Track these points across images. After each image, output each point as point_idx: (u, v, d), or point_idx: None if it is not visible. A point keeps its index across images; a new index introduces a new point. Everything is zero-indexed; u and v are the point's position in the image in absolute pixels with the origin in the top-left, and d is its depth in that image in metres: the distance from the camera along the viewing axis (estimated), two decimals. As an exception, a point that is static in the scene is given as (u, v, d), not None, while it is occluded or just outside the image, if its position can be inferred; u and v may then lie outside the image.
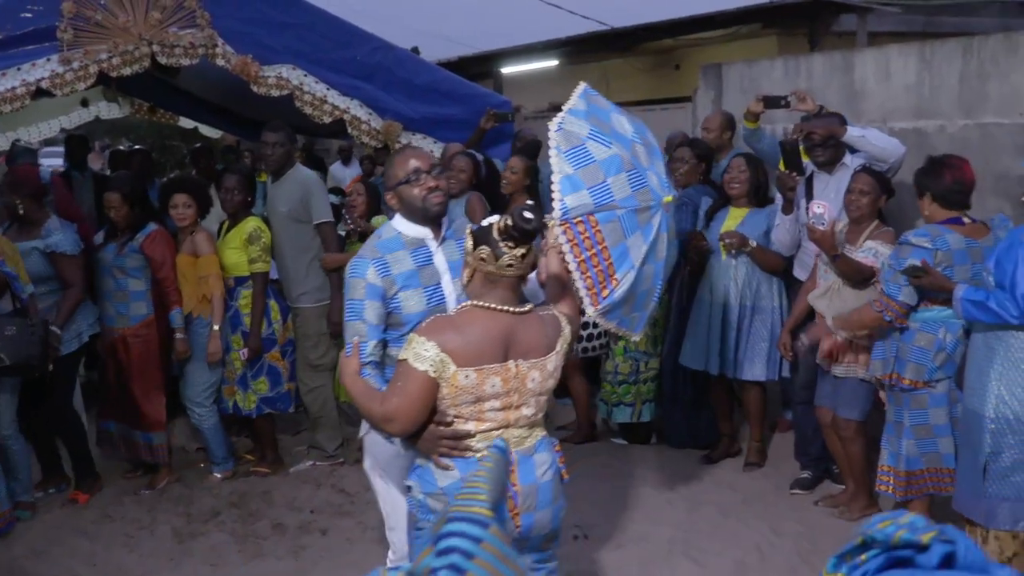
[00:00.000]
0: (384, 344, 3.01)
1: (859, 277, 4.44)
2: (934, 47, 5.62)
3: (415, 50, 23.68)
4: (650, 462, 5.57)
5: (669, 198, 3.05)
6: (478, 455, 2.66)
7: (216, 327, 5.25)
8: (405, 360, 2.60)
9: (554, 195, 2.86)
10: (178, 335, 5.22)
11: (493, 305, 2.68)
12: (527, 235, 2.65)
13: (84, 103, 10.22)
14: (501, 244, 2.66)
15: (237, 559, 4.56)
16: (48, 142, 24.57)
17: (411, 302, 3.01)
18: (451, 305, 3.01)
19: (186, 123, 10.57)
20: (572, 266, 2.86)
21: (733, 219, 5.26)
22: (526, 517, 2.73)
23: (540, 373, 2.74)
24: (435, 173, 3.08)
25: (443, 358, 2.57)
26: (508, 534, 2.65)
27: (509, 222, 2.64)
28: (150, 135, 17.73)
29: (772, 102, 5.40)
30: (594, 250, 2.87)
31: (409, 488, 2.77)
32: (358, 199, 5.65)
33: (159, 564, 4.53)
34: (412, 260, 3.05)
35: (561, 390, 6.50)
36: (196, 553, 4.63)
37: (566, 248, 2.86)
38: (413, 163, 3.06)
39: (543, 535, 2.83)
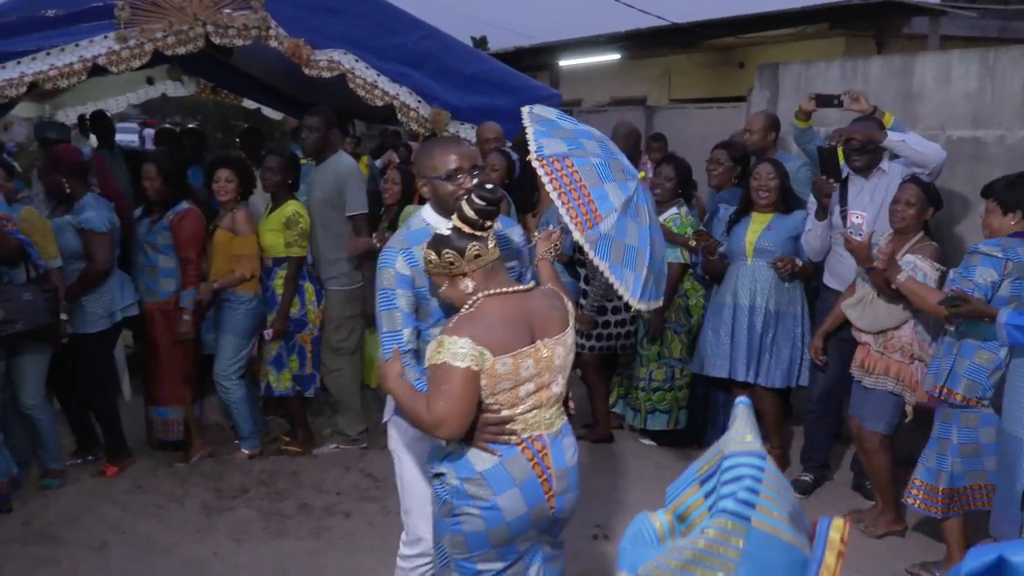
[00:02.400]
0: (417, 333, 3.01)
1: (892, 292, 4.32)
2: (997, 53, 5.44)
3: (483, 40, 23.58)
4: (678, 465, 5.50)
5: (643, 174, 3.11)
6: (515, 439, 2.68)
7: (215, 284, 5.33)
8: (443, 362, 2.56)
9: (529, 139, 2.88)
10: (184, 316, 5.28)
11: (503, 289, 2.70)
12: (497, 202, 2.67)
13: (150, 81, 10.45)
14: (481, 232, 2.66)
15: (261, 536, 4.62)
16: (122, 117, 25.11)
17: None
18: None
19: (250, 104, 10.73)
20: (554, 196, 2.84)
21: (758, 223, 5.15)
22: (559, 499, 2.76)
23: (563, 348, 2.77)
24: (475, 174, 3.04)
25: (480, 350, 2.56)
26: (544, 515, 2.69)
27: (479, 202, 2.62)
28: (216, 115, 18.01)
29: (825, 101, 5.28)
30: (573, 186, 2.87)
31: (440, 475, 2.76)
32: (392, 187, 5.64)
33: (185, 536, 4.61)
34: None
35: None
36: (222, 527, 4.70)
37: (545, 180, 2.85)
38: (454, 160, 3.00)
39: (566, 518, 2.87)
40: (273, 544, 4.54)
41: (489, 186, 2.68)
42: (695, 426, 5.74)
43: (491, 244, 2.69)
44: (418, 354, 2.94)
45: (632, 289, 2.92)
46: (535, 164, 2.92)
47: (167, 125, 14.64)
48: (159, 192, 5.31)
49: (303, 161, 6.39)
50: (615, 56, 12.69)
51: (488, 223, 2.67)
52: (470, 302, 2.69)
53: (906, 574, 4.22)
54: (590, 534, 4.51)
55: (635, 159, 7.26)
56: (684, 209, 5.61)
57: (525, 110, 3.07)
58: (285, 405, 5.83)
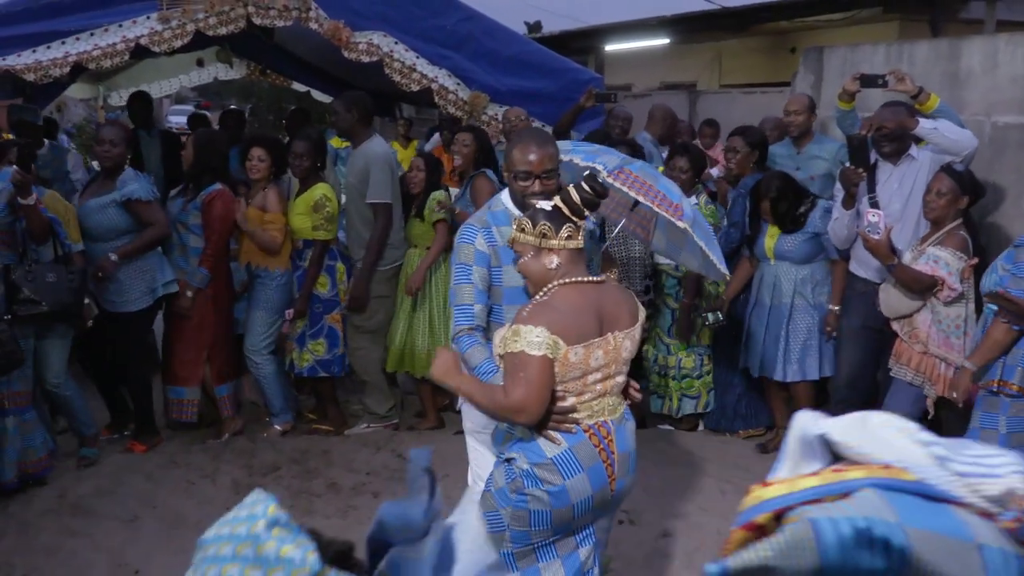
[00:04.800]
0: (489, 311, 3.11)
1: (919, 287, 4.27)
2: (1049, 37, 5.28)
3: (537, 25, 23.53)
4: (705, 451, 5.48)
5: (662, 167, 3.53)
6: (582, 426, 2.74)
7: (249, 228, 5.34)
8: (520, 351, 2.62)
9: (585, 164, 3.28)
10: (188, 292, 5.29)
11: (580, 279, 2.75)
12: (603, 197, 2.76)
13: (200, 63, 10.55)
14: (577, 219, 2.73)
15: (289, 513, 4.61)
16: (179, 100, 25.39)
17: (512, 276, 3.07)
18: None
19: (300, 87, 10.84)
20: (641, 199, 3.26)
21: (771, 237, 5.27)
22: (620, 482, 2.82)
23: (631, 343, 2.82)
24: (543, 178, 3.09)
25: (555, 339, 2.61)
26: (606, 498, 2.77)
27: (588, 191, 2.70)
28: (270, 97, 18.21)
29: (869, 81, 5.18)
30: (644, 188, 3.27)
31: (510, 459, 2.82)
32: (417, 174, 5.60)
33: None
34: None
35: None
36: (252, 504, 4.74)
37: (625, 189, 3.26)
38: (529, 161, 3.07)
39: (621, 498, 2.94)
40: (300, 522, 4.49)
41: (600, 179, 2.79)
42: (715, 412, 5.81)
43: (581, 234, 2.76)
44: (486, 332, 3.09)
45: (721, 261, 3.43)
46: (608, 180, 3.23)
47: (201, 111, 14.82)
48: (191, 166, 5.39)
49: (344, 144, 6.40)
50: (664, 40, 12.53)
51: (586, 212, 2.75)
52: (545, 290, 2.74)
53: None
54: (616, 519, 4.48)
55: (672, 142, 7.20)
56: (703, 198, 5.62)
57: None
58: (315, 384, 5.87)
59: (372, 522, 1.81)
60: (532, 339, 2.60)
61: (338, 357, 5.68)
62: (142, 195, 5.14)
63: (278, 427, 5.66)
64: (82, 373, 5.59)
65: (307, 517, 4.62)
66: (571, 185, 2.74)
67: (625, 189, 3.27)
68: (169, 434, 5.63)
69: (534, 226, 2.73)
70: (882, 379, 4.90)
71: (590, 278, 2.77)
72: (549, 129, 5.97)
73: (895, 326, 4.47)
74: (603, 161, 3.34)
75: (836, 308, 5.08)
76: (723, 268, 3.50)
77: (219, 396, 5.60)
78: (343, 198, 5.85)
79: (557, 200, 2.73)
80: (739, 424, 5.75)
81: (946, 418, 4.50)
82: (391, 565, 1.39)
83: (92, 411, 5.33)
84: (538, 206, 2.78)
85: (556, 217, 2.72)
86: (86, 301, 4.96)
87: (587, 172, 2.91)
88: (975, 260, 4.17)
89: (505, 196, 3.22)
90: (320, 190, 5.43)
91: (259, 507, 1.22)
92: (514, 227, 2.83)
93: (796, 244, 5.13)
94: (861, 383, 4.95)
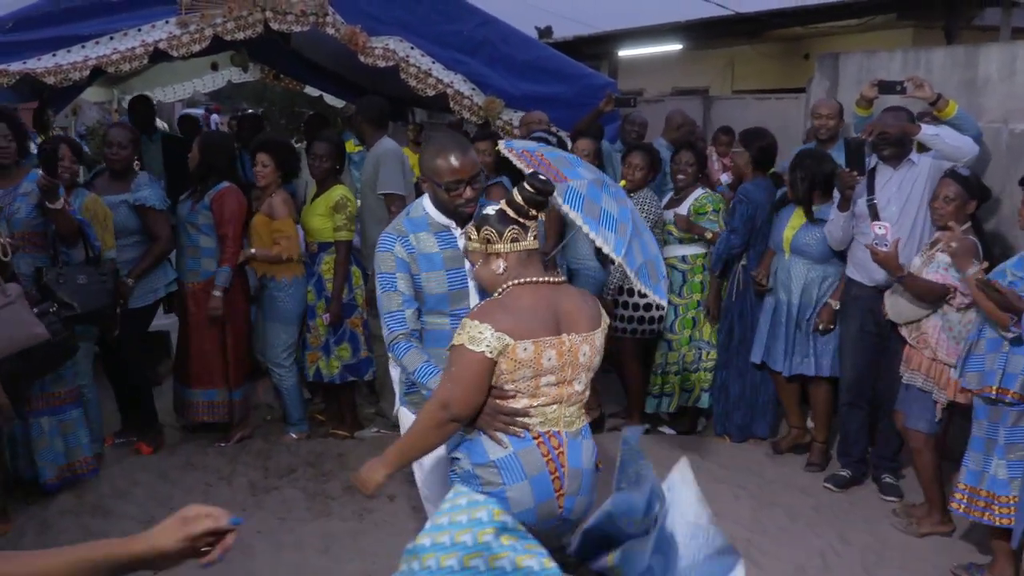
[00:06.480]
0: (419, 313, 3.10)
1: (931, 297, 4.28)
2: (1066, 45, 5.28)
3: (548, 30, 23.51)
4: (718, 456, 5.50)
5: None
6: (532, 433, 2.66)
7: (252, 250, 5.38)
8: (460, 345, 2.61)
9: (501, 145, 3.25)
10: (216, 292, 5.29)
11: (534, 279, 2.71)
12: (548, 194, 2.70)
13: (214, 67, 10.59)
14: (524, 219, 2.70)
15: (305, 515, 4.69)
16: (190, 103, 25.55)
17: (432, 283, 3.06)
18: (472, 289, 3.07)
19: (313, 91, 10.86)
20: (518, 163, 3.07)
21: (798, 218, 5.28)
22: (569, 499, 2.72)
23: (589, 347, 2.74)
24: (474, 184, 3.06)
25: (500, 336, 2.58)
26: (552, 513, 2.66)
27: (529, 189, 2.66)
28: (282, 101, 18.20)
29: (887, 87, 5.20)
30: (538, 161, 3.08)
31: (456, 459, 2.78)
32: None
33: (230, 513, 4.67)
34: (436, 242, 3.10)
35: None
36: (268, 506, 4.78)
37: (513, 158, 3.11)
38: (455, 170, 3.00)
39: (574, 521, 2.80)
40: (317, 524, 4.60)
41: (543, 178, 2.71)
42: (716, 415, 5.83)
43: (531, 235, 2.72)
44: (420, 336, 3.08)
45: (614, 246, 2.92)
46: (504, 152, 3.16)
47: (190, 111, 14.86)
48: (196, 169, 5.43)
49: (358, 148, 6.41)
50: (677, 46, 12.51)
51: (533, 212, 2.70)
52: (501, 289, 2.72)
53: (950, 574, 4.13)
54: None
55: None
56: (708, 190, 5.78)
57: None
58: (331, 388, 5.86)
59: (596, 515, 1.72)
60: (474, 334, 2.57)
61: (363, 360, 5.68)
62: (155, 203, 5.22)
63: (294, 435, 5.68)
64: (102, 376, 5.59)
65: (323, 519, 4.64)
66: (515, 187, 2.71)
67: (511, 156, 3.13)
68: (186, 436, 5.67)
69: (478, 233, 2.72)
70: (883, 383, 4.93)
71: (546, 278, 2.72)
72: (566, 135, 5.98)
73: (903, 332, 4.49)
74: (515, 144, 3.30)
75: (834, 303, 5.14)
76: (615, 255, 2.93)
77: (234, 400, 5.61)
78: (358, 203, 5.88)
79: (503, 202, 2.72)
80: (756, 427, 5.74)
81: (948, 424, 4.51)
82: (624, 559, 1.38)
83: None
84: (484, 211, 2.76)
85: (501, 220, 2.69)
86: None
87: (533, 171, 2.81)
88: (985, 264, 4.15)
89: (426, 202, 3.15)
90: (339, 191, 5.46)
91: (481, 512, 1.20)
92: (465, 233, 2.81)
93: (815, 239, 5.12)
94: (865, 386, 5.01)
